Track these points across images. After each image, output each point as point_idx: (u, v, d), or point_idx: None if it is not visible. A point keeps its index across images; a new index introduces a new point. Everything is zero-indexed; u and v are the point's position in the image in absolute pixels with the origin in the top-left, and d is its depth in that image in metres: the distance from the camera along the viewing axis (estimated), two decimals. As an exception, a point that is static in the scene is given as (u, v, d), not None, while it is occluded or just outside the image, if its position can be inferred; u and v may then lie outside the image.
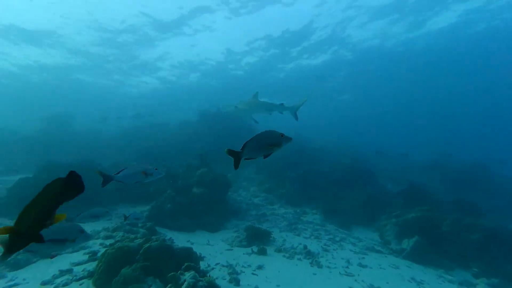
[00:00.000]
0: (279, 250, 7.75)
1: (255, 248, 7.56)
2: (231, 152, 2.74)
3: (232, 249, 7.67)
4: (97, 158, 12.35)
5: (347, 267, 7.14)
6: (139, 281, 5.06)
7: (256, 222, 9.97)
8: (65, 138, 18.99)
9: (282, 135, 2.72)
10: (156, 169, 3.63)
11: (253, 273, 6.23)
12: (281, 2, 19.39)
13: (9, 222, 8.02)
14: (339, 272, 6.78)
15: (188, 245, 7.20)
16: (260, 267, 6.54)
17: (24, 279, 5.10)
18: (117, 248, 5.42)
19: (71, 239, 2.88)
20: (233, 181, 13.29)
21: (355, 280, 6.44)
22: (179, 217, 9.35)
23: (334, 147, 21.06)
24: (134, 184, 3.49)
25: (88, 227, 8.00)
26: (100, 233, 7.67)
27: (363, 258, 7.93)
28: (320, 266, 7.01)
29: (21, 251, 2.39)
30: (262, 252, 7.40)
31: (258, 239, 8.08)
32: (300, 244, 8.10)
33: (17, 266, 5.57)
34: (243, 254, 7.35)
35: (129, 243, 5.64)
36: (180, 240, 7.85)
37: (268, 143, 2.72)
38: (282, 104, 11.78)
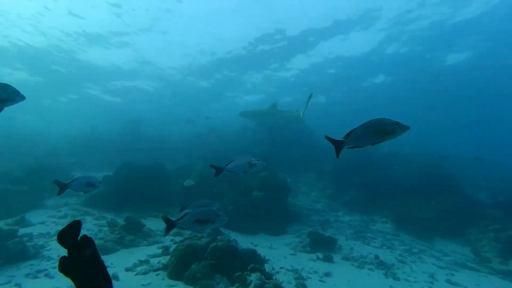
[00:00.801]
0: (346, 258, 7.41)
1: (320, 255, 7.35)
2: (331, 140, 2.61)
3: (295, 254, 7.57)
4: (166, 160, 13.51)
5: (432, 283, 6.44)
6: (207, 278, 5.32)
7: (319, 228, 9.68)
8: (138, 141, 21.41)
9: (397, 123, 2.46)
10: (258, 160, 3.94)
11: (320, 280, 6.03)
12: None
13: (98, 213, 9.35)
14: (422, 287, 6.16)
15: (251, 247, 7.31)
16: (327, 274, 6.30)
17: (112, 263, 5.84)
18: (187, 245, 5.78)
19: (212, 220, 3.45)
20: (292, 186, 13.22)
21: (444, 298, 5.74)
22: (241, 219, 9.61)
23: (408, 152, 19.34)
24: (242, 174, 3.95)
25: (160, 224, 8.78)
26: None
27: (453, 274, 7.04)
28: (397, 278, 6.46)
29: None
30: (328, 259, 7.15)
31: (322, 246, 7.84)
32: (370, 253, 7.64)
33: (105, 251, 6.42)
34: (308, 260, 7.19)
35: (197, 241, 5.97)
36: (243, 241, 8.02)
37: (379, 129, 2.47)
38: (297, 110, 12.05)
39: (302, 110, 11.61)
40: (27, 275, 5.07)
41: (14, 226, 7.10)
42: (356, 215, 11.49)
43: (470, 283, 6.69)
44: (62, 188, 4.06)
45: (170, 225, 3.17)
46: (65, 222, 8.28)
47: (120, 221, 7.83)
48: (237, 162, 3.94)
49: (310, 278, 6.06)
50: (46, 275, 5.14)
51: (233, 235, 8.54)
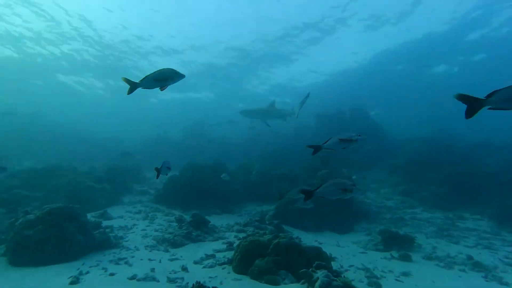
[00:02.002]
0: (428, 258, 6.71)
1: (395, 253, 6.79)
2: (467, 97, 2.50)
3: (366, 252, 7.13)
4: (226, 160, 14.12)
5: None
6: (272, 273, 5.33)
7: (392, 226, 8.97)
8: (200, 142, 22.87)
9: None
10: (359, 135, 3.88)
11: (397, 279, 5.54)
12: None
13: (167, 209, 10.18)
14: None
15: (316, 244, 7.13)
16: (405, 274, 5.75)
17: (181, 256, 6.28)
18: (250, 241, 5.87)
19: (349, 189, 3.68)
20: (359, 182, 12.55)
21: None
22: (304, 218, 9.48)
23: (506, 142, 16.71)
24: (342, 151, 4.04)
25: (223, 221, 9.18)
26: (234, 227, 8.63)
27: None
28: (503, 283, 5.56)
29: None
30: (406, 257, 6.55)
31: (397, 244, 7.24)
32: (461, 253, 6.79)
33: (175, 245, 6.95)
34: (381, 258, 6.70)
35: (260, 238, 6.03)
36: (307, 239, 7.89)
37: None
38: (292, 108, 13.11)
39: (297, 109, 12.36)
40: (110, 261, 5.77)
41: (99, 219, 8.19)
42: (438, 212, 10.36)
43: None
44: (158, 173, 5.20)
45: (308, 195, 3.53)
46: (139, 217, 9.27)
47: (187, 217, 8.38)
48: (335, 139, 3.90)
49: (385, 277, 5.60)
50: (126, 262, 5.77)
51: (296, 233, 8.46)
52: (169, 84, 3.82)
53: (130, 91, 3.83)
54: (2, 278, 4.96)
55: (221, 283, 5.06)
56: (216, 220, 9.00)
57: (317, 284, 4.64)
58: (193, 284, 4.32)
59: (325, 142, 3.95)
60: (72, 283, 4.77)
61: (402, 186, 12.98)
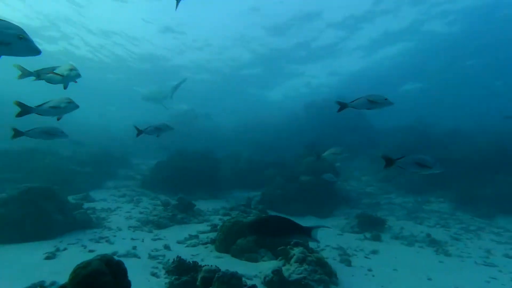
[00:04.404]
0: (396, 237, 7.46)
1: (368, 234, 7.36)
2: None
3: (342, 234, 7.64)
4: (216, 147, 14.32)
5: (487, 257, 6.36)
6: (252, 251, 5.66)
7: (369, 210, 9.55)
8: (190, 131, 22.77)
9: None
10: (386, 99, 3.96)
11: (366, 257, 6.06)
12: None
13: (153, 194, 10.34)
14: (475, 262, 6.12)
15: (297, 227, 7.48)
16: (374, 252, 6.31)
17: (164, 236, 6.52)
18: (233, 222, 6.15)
19: (429, 166, 3.65)
20: (343, 170, 13.06)
21: (500, 271, 5.64)
22: (289, 203, 9.89)
23: (469, 131, 17.62)
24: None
25: (209, 205, 9.43)
26: (220, 211, 8.94)
27: (513, 249, 6.70)
28: (448, 254, 6.46)
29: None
30: (376, 238, 7.15)
31: (371, 226, 7.81)
32: (422, 232, 7.71)
33: (159, 226, 7.18)
34: (355, 239, 7.21)
35: (242, 219, 6.34)
36: (289, 222, 8.25)
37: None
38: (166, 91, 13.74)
39: (172, 91, 13.33)
40: (91, 240, 5.88)
41: (80, 201, 8.14)
42: (410, 197, 11.23)
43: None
44: (139, 133, 5.53)
45: (389, 163, 3.49)
46: (124, 200, 9.38)
47: (173, 202, 8.55)
48: (365, 98, 3.96)
49: (356, 255, 6.11)
50: (107, 241, 5.89)
51: (281, 217, 8.81)
52: None
53: None
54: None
55: (202, 260, 5.23)
56: (202, 205, 9.20)
57: (293, 259, 5.00)
58: (174, 259, 4.42)
59: (353, 101, 4.06)
60: (47, 258, 4.84)
61: (382, 173, 13.54)
